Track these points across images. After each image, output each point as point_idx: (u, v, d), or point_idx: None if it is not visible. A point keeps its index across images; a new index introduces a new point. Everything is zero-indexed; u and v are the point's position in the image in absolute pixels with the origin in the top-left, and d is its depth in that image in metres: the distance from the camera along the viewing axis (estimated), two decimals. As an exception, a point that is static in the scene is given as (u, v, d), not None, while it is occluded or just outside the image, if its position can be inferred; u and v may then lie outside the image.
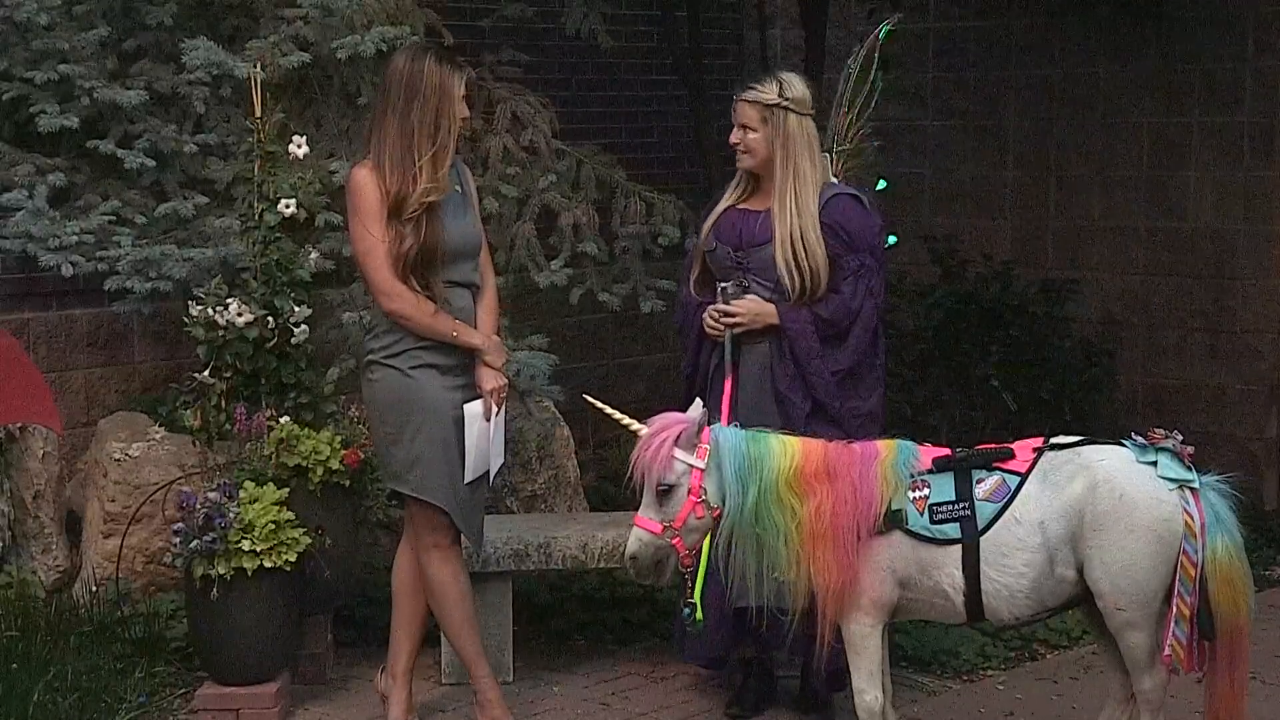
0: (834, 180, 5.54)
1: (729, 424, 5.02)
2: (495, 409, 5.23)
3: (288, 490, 5.58)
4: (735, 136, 5.41)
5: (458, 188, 5.27)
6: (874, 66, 5.90)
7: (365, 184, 5.11)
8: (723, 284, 5.39)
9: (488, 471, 5.32)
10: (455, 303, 5.19)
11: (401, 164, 5.07)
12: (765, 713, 5.69)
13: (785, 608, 4.73)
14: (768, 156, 5.37)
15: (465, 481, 5.23)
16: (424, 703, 5.66)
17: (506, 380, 5.32)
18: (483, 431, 5.22)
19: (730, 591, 4.82)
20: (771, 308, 5.33)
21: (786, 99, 5.34)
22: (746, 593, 4.82)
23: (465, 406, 5.19)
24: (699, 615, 4.93)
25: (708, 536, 4.71)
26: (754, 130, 5.36)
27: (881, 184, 5.92)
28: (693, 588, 4.93)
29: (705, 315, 5.40)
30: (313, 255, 6.05)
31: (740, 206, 5.48)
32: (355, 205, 5.15)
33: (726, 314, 5.35)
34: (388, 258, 5.07)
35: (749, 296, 5.36)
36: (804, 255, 5.28)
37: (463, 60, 5.41)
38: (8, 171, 6.35)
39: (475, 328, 5.25)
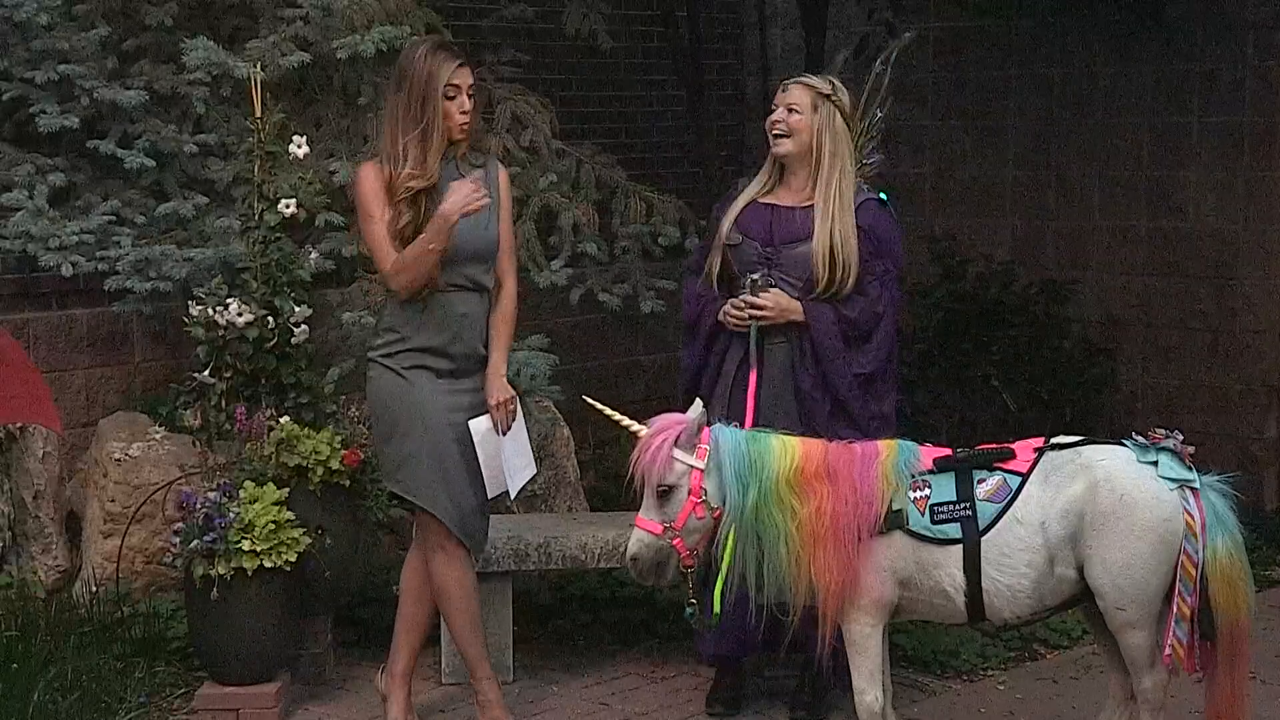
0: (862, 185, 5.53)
1: (753, 419, 5.03)
2: (503, 423, 5.22)
3: (288, 490, 5.58)
4: (778, 116, 5.35)
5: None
6: (885, 83, 5.88)
7: (364, 177, 5.14)
8: (751, 275, 5.34)
9: (509, 488, 5.30)
10: (459, 308, 5.17)
11: (391, 150, 5.11)
12: (751, 711, 5.69)
13: (786, 608, 4.73)
14: (809, 144, 5.33)
15: (490, 497, 5.25)
16: (424, 703, 5.66)
17: (513, 394, 5.29)
18: (493, 447, 5.20)
19: (730, 592, 4.82)
20: (797, 304, 5.31)
21: (838, 98, 5.37)
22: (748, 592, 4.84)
23: (470, 423, 5.17)
24: (717, 612, 4.86)
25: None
26: (800, 113, 5.32)
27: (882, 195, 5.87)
28: (694, 588, 4.91)
29: (728, 306, 5.36)
30: (313, 255, 6.05)
31: (765, 200, 5.44)
32: (357, 199, 5.18)
33: (753, 306, 5.32)
34: (388, 238, 5.08)
35: (774, 290, 5.33)
36: (840, 250, 5.27)
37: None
38: (8, 171, 6.35)
39: (486, 336, 5.24)
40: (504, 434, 5.21)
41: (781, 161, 5.42)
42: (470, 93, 5.14)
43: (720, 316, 5.40)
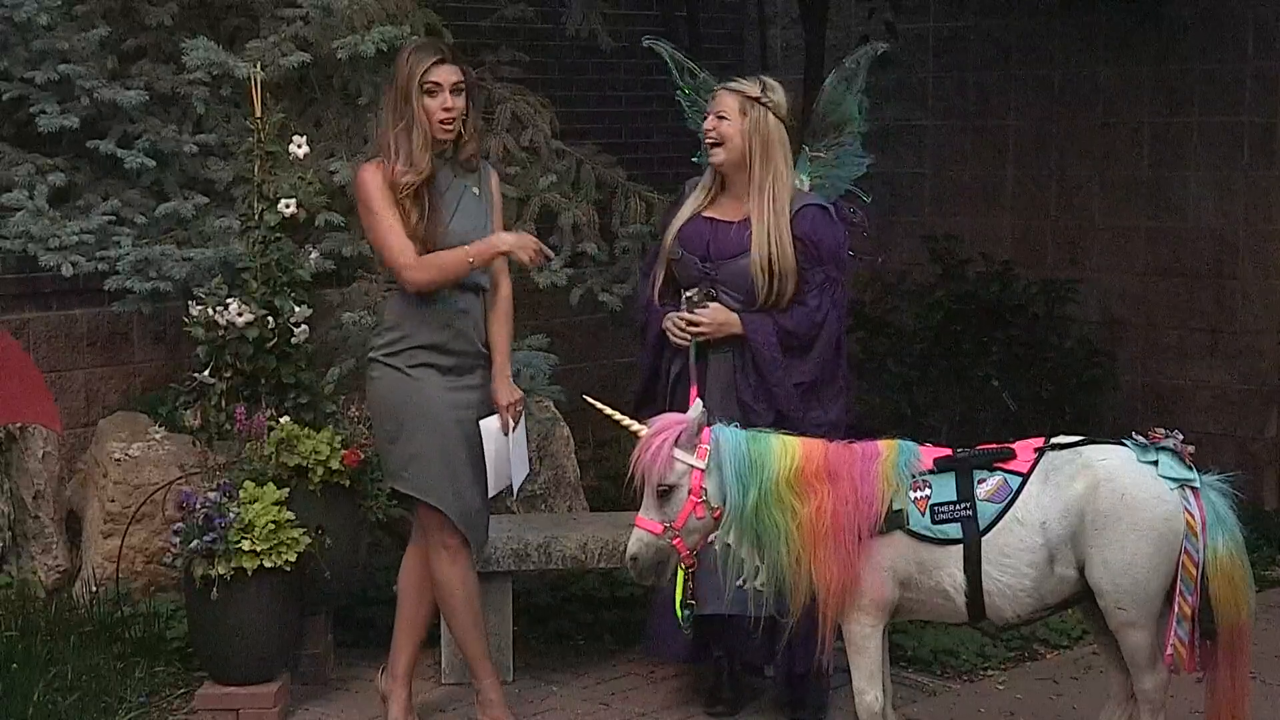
0: (801, 189, 5.50)
1: None
2: (512, 423, 5.24)
3: (288, 490, 5.58)
4: (709, 124, 5.34)
5: (475, 189, 5.25)
6: (857, 89, 5.84)
7: (367, 175, 5.16)
8: (688, 292, 5.35)
9: (510, 485, 5.34)
10: (459, 305, 5.19)
11: (384, 146, 5.16)
12: (751, 711, 5.68)
13: (757, 612, 4.75)
14: (741, 150, 5.30)
15: (490, 495, 5.27)
16: (424, 703, 5.66)
17: (521, 395, 5.32)
18: (501, 445, 5.22)
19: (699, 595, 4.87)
20: (736, 317, 5.31)
21: (768, 99, 5.33)
22: (715, 599, 4.88)
23: (481, 423, 5.20)
24: (683, 619, 4.92)
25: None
26: (730, 119, 5.30)
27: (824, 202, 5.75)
28: (688, 588, 4.93)
29: (668, 322, 5.36)
30: (313, 255, 6.05)
31: (707, 214, 5.42)
32: (360, 199, 5.19)
33: (691, 323, 5.31)
34: (402, 233, 5.08)
35: (713, 305, 5.32)
36: (777, 259, 5.26)
37: (464, 59, 5.39)
38: (8, 171, 6.35)
39: (485, 337, 5.25)
40: (510, 433, 5.23)
41: (719, 171, 5.41)
42: (454, 90, 5.14)
43: (664, 326, 5.39)
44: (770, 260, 5.26)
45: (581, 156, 6.83)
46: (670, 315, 5.37)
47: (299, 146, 5.91)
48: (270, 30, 6.46)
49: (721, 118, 5.33)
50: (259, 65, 6.03)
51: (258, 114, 5.88)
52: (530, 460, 5.50)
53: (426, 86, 5.10)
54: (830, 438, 5.09)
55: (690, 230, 5.42)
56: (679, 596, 4.94)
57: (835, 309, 5.36)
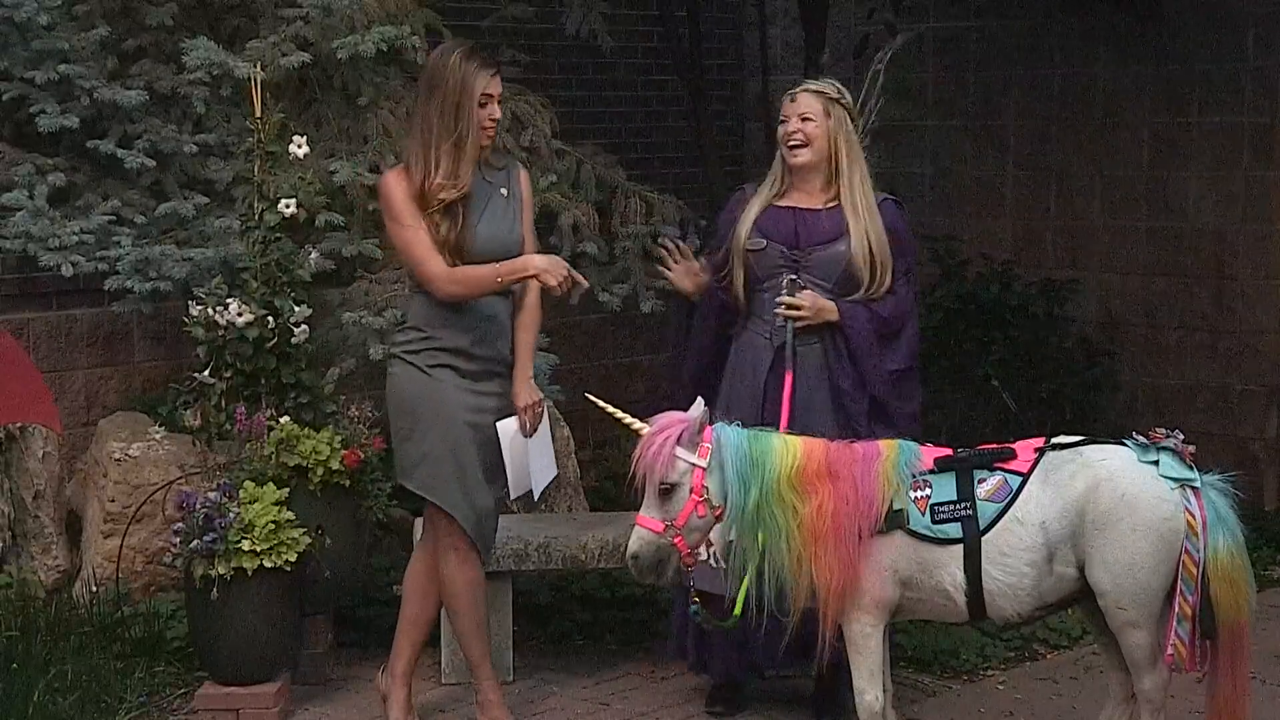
0: None
1: (788, 420, 5.05)
2: (531, 426, 5.23)
3: (288, 490, 5.58)
4: (794, 126, 5.34)
5: (503, 190, 5.21)
6: (876, 83, 5.91)
7: (391, 187, 5.11)
8: (791, 277, 5.34)
9: (532, 489, 5.34)
10: (485, 310, 5.16)
11: (422, 159, 5.06)
12: (751, 711, 5.68)
13: (785, 609, 4.73)
14: (825, 151, 5.34)
15: (514, 497, 5.29)
16: (424, 703, 5.66)
17: (541, 397, 5.30)
18: (520, 448, 5.22)
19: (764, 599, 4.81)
20: (832, 304, 5.33)
21: (845, 99, 5.40)
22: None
23: (499, 424, 5.18)
24: (737, 614, 4.83)
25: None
26: (815, 120, 5.33)
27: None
28: (693, 589, 4.90)
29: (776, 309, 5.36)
30: (313, 255, 6.05)
31: (782, 204, 5.43)
32: (386, 209, 5.15)
33: (791, 306, 5.32)
34: (431, 244, 5.04)
35: (808, 291, 5.34)
36: (877, 250, 5.31)
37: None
38: (8, 171, 6.35)
39: (511, 342, 5.24)
40: (530, 436, 5.23)
41: (798, 170, 5.41)
42: (500, 100, 5.13)
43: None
44: (872, 253, 5.31)
45: (581, 156, 6.83)
46: (774, 300, 5.35)
47: (299, 146, 5.91)
48: (270, 30, 6.46)
49: (807, 120, 5.35)
50: (259, 65, 6.03)
51: (258, 114, 5.88)
52: (555, 464, 5.49)
53: (481, 100, 5.05)
54: (913, 428, 5.23)
55: (770, 220, 5.41)
56: (740, 602, 4.84)
57: (916, 299, 5.48)
